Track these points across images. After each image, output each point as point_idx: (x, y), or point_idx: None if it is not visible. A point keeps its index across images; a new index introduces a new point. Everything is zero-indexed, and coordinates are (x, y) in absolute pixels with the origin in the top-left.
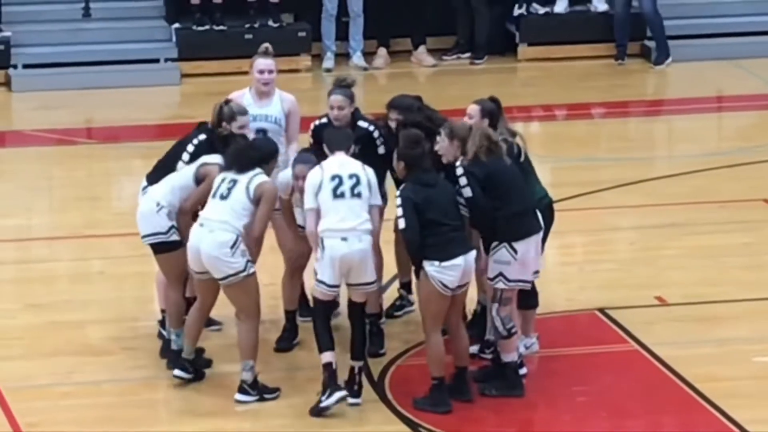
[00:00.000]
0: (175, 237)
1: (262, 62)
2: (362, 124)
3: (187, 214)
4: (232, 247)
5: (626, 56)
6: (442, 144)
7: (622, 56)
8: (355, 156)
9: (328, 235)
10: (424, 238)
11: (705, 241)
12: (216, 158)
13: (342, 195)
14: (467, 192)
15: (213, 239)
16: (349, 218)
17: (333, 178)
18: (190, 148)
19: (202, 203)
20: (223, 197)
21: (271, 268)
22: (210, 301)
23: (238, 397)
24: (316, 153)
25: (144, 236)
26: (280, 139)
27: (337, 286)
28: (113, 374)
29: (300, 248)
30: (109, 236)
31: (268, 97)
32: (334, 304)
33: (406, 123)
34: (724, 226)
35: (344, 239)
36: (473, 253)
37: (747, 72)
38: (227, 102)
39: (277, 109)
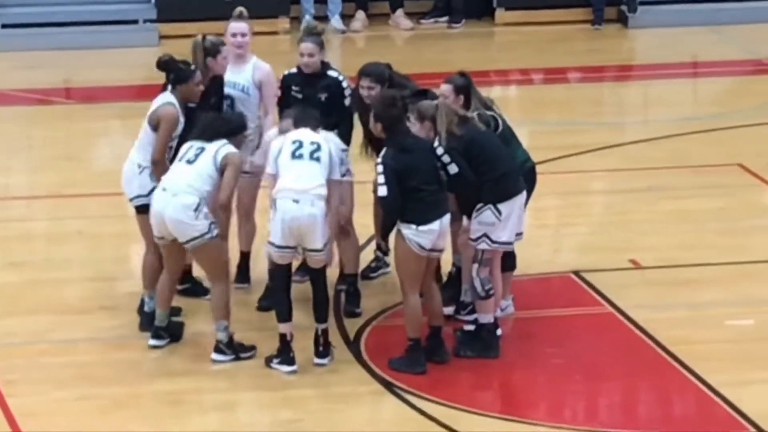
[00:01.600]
0: None
1: (234, 26)
2: (332, 73)
3: (161, 162)
4: (195, 210)
5: (603, 21)
6: (413, 128)
7: (599, 21)
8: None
9: (281, 196)
10: (403, 203)
11: (680, 205)
12: (167, 98)
13: (300, 156)
14: (453, 168)
15: (177, 202)
16: (303, 178)
17: (294, 142)
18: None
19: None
20: (190, 162)
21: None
22: (177, 266)
23: (215, 356)
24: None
25: (130, 199)
26: (249, 107)
27: (288, 248)
28: (91, 333)
29: None
30: (87, 196)
31: (243, 63)
32: (290, 267)
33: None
34: (699, 191)
35: (296, 201)
36: (448, 216)
37: (723, 38)
38: (204, 37)
39: (246, 78)
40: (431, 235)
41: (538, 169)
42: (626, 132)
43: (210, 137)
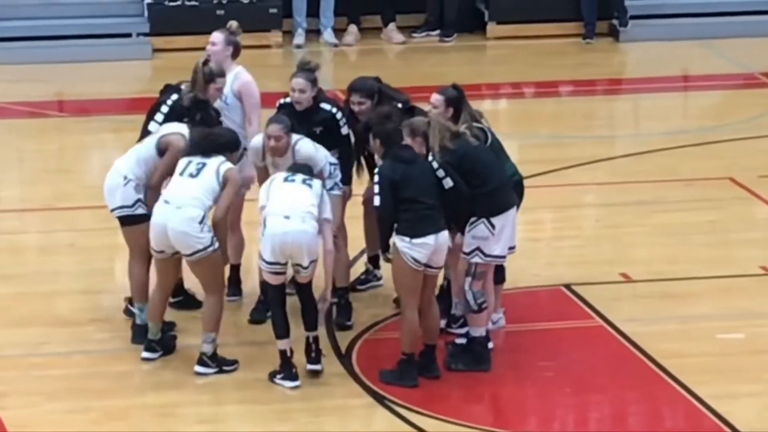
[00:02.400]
0: (141, 210)
1: (212, 35)
2: (325, 106)
3: (156, 189)
4: (200, 222)
5: (594, 35)
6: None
7: (590, 35)
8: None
9: (272, 213)
10: (398, 214)
11: (670, 218)
12: (178, 128)
13: (292, 180)
14: (448, 182)
15: (181, 215)
16: (294, 199)
17: (286, 176)
18: (164, 108)
19: (170, 175)
20: (192, 176)
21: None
22: (171, 281)
23: (198, 368)
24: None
25: (112, 209)
26: (230, 116)
27: (278, 264)
28: (82, 345)
29: None
30: (79, 209)
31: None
32: (284, 286)
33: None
34: (690, 204)
35: (287, 217)
36: (445, 233)
37: (713, 52)
38: (206, 62)
39: (226, 88)
40: (425, 249)
41: (529, 182)
42: (617, 145)
43: (205, 152)
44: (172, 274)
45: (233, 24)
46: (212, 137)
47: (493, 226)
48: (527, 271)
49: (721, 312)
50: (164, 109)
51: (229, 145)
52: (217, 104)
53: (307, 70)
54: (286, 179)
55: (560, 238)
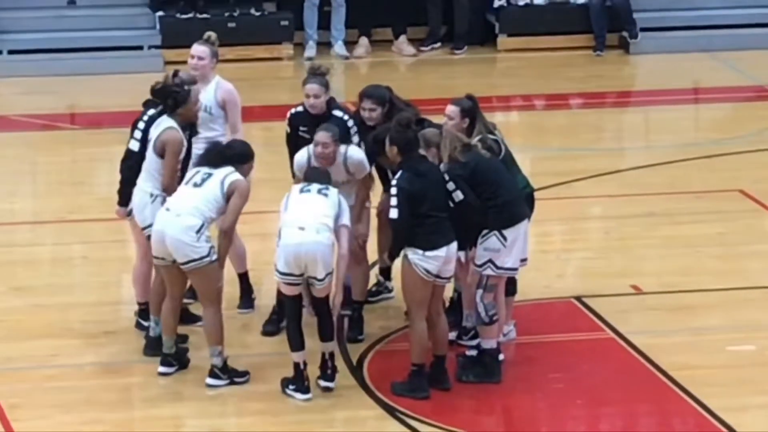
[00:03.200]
0: None
1: (193, 48)
2: (337, 113)
3: (170, 188)
4: (197, 232)
5: (604, 47)
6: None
7: (600, 47)
8: None
9: (287, 224)
10: (412, 227)
11: (681, 231)
12: (166, 122)
13: (308, 191)
14: (458, 195)
15: (180, 223)
16: (310, 210)
17: (302, 187)
18: (141, 125)
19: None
20: (197, 185)
21: (251, 254)
22: (178, 290)
23: (209, 381)
24: (294, 140)
25: (143, 228)
26: (214, 126)
27: (291, 275)
28: (95, 357)
29: None
30: (92, 221)
31: (204, 83)
32: (300, 297)
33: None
34: (700, 216)
35: (301, 228)
36: (455, 244)
37: (723, 64)
38: (176, 74)
39: (209, 97)
40: (438, 261)
41: (539, 194)
42: (627, 158)
43: (216, 163)
44: (178, 283)
45: (212, 35)
46: (222, 149)
47: (505, 239)
48: (538, 283)
49: (731, 324)
50: (141, 125)
51: (239, 157)
52: (201, 115)
53: (319, 74)
54: (302, 190)
55: (570, 251)
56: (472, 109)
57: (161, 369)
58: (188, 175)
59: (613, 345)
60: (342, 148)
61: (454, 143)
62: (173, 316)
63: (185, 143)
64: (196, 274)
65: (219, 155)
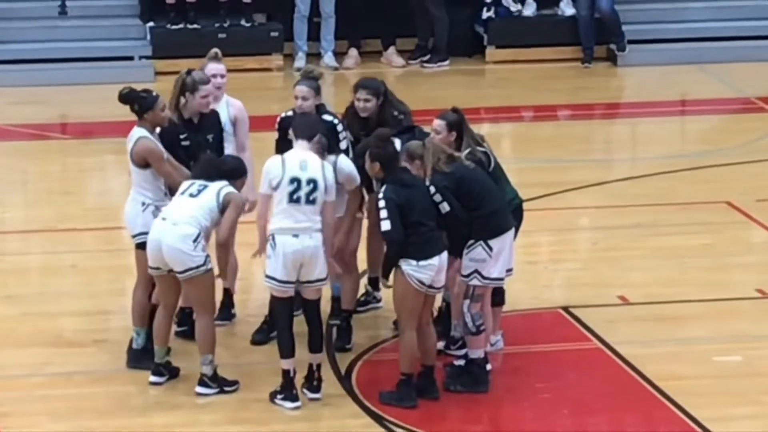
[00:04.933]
0: None
1: (214, 67)
2: (327, 117)
3: (173, 185)
4: (194, 240)
5: (592, 59)
6: (403, 165)
7: (588, 59)
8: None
9: (280, 232)
10: (405, 238)
11: (668, 242)
12: (140, 132)
13: (298, 200)
14: (445, 207)
15: (177, 232)
16: (302, 221)
17: (292, 181)
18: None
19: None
20: (192, 195)
21: (241, 263)
22: (173, 300)
23: (199, 389)
24: (283, 146)
25: (133, 236)
26: (228, 144)
27: (290, 283)
28: (85, 366)
29: None
30: (82, 230)
31: (216, 102)
32: (292, 301)
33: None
34: (687, 228)
35: (295, 236)
36: (446, 253)
37: (711, 76)
38: (189, 72)
39: (223, 115)
40: (431, 270)
41: (527, 205)
42: (614, 169)
43: (210, 176)
44: (173, 293)
45: (218, 51)
46: (217, 163)
47: (490, 249)
48: (525, 293)
49: (718, 335)
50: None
51: (234, 173)
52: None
53: (311, 78)
54: (291, 197)
55: (558, 261)
56: (458, 122)
57: (152, 379)
58: (183, 186)
59: (600, 355)
60: (331, 158)
61: (437, 154)
62: (166, 326)
63: (159, 145)
64: (192, 282)
65: (215, 168)
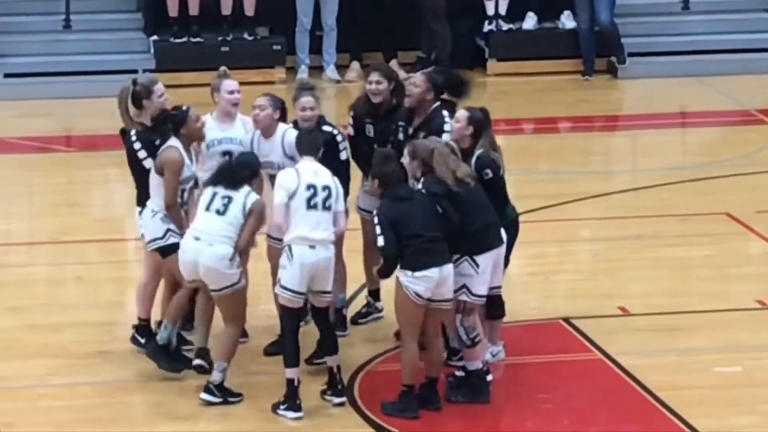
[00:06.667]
0: (173, 239)
1: (230, 83)
2: (326, 128)
3: (173, 207)
4: (231, 260)
5: (593, 72)
6: (404, 161)
7: (589, 72)
8: (318, 159)
9: (297, 243)
10: (401, 249)
11: (668, 253)
12: (170, 142)
13: (315, 206)
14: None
15: (213, 252)
16: (318, 229)
17: (308, 187)
18: (137, 145)
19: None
20: (220, 213)
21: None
22: (212, 308)
23: (204, 396)
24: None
25: (147, 242)
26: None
27: (303, 294)
28: (89, 377)
29: None
30: (86, 242)
31: (231, 119)
32: (302, 311)
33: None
34: (687, 239)
35: (312, 247)
36: (450, 266)
37: (710, 89)
38: (134, 82)
39: (240, 132)
40: (428, 282)
41: (528, 217)
42: (615, 181)
43: (233, 185)
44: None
45: (226, 69)
46: (235, 168)
47: (477, 265)
48: (526, 304)
49: (718, 345)
50: (137, 146)
51: (253, 174)
52: (235, 148)
53: (309, 88)
54: (309, 203)
55: (559, 272)
56: (479, 120)
57: (197, 362)
58: (206, 197)
59: (600, 366)
60: (282, 127)
61: (441, 165)
62: (210, 313)
63: (187, 162)
64: (227, 299)
65: (235, 176)
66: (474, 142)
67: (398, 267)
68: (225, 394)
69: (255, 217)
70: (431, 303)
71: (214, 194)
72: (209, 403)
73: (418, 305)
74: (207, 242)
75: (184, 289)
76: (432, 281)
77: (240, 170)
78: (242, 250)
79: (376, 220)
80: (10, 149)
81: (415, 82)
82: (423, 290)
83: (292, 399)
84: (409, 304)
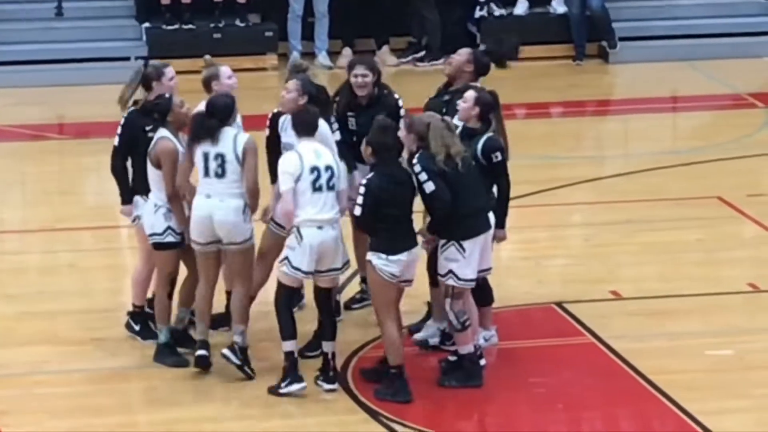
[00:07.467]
0: (170, 238)
1: (226, 69)
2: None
3: (175, 198)
4: (243, 212)
5: (584, 57)
6: (401, 134)
7: (580, 57)
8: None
9: (306, 225)
10: (377, 230)
11: (659, 237)
12: (160, 133)
13: (320, 188)
14: (429, 186)
15: (227, 207)
16: (325, 210)
17: (312, 170)
18: (119, 130)
19: (184, 178)
20: (219, 175)
21: None
22: (214, 274)
23: (225, 352)
24: (274, 142)
25: (148, 235)
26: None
27: (311, 273)
28: (84, 364)
29: None
30: (79, 229)
31: None
32: (297, 293)
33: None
34: (678, 223)
35: (320, 227)
36: (417, 248)
37: (701, 73)
38: (146, 64)
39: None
40: (400, 264)
41: (520, 202)
42: (606, 165)
43: (214, 133)
44: (214, 270)
45: (209, 57)
46: (211, 114)
47: (463, 249)
48: (519, 289)
49: (709, 329)
50: (118, 130)
51: (229, 112)
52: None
53: (301, 71)
54: (314, 186)
55: (551, 257)
56: (486, 103)
57: (200, 352)
58: (199, 160)
59: (593, 350)
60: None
61: (439, 138)
62: (209, 303)
63: (181, 150)
64: (239, 254)
65: (211, 127)
66: (481, 124)
67: (370, 251)
68: (244, 362)
69: (251, 156)
70: (399, 283)
71: (206, 156)
72: (228, 360)
73: (392, 285)
74: (218, 198)
75: (204, 287)
76: (402, 264)
77: (216, 116)
78: (251, 191)
79: (362, 189)
80: (3, 137)
81: (459, 52)
82: (396, 271)
83: (293, 371)
84: (383, 285)
